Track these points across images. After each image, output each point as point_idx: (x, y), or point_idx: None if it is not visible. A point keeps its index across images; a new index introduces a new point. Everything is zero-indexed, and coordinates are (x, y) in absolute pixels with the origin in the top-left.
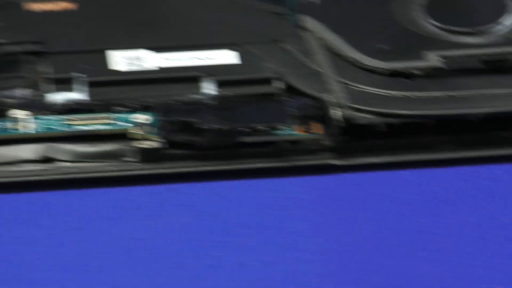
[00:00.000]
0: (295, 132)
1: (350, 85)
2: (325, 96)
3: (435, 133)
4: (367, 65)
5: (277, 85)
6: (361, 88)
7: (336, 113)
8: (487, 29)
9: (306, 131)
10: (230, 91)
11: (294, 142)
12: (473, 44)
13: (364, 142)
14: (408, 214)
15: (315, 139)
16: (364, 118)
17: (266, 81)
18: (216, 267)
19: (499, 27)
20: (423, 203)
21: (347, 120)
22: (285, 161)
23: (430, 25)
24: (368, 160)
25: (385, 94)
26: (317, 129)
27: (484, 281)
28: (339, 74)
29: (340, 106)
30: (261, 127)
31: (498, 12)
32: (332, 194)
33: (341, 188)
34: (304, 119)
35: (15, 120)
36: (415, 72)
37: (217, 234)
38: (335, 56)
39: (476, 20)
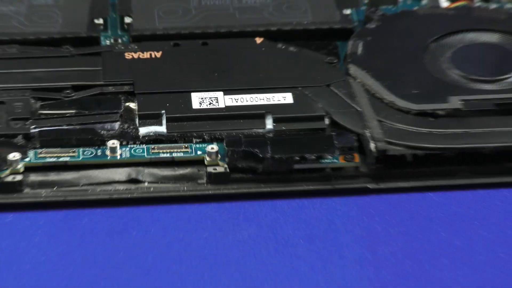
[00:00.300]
0: (338, 160)
1: (385, 122)
2: (364, 132)
3: (455, 163)
4: (400, 106)
5: (325, 122)
6: (394, 125)
7: (373, 145)
8: (500, 78)
9: (348, 160)
10: (286, 126)
11: (337, 169)
12: (488, 90)
13: (395, 170)
14: (432, 229)
15: (355, 167)
16: (395, 150)
17: (316, 118)
18: (273, 272)
19: (510, 76)
20: (444, 220)
21: (381, 151)
22: (330, 185)
23: (454, 74)
24: (398, 185)
25: (414, 130)
26: (357, 159)
27: (493, 284)
28: (376, 113)
29: (376, 140)
30: (310, 157)
31: (510, 64)
32: (369, 212)
33: (376, 207)
34: (346, 150)
35: (110, 148)
36: (439, 112)
37: (273, 244)
38: (374, 98)
39: (492, 70)
